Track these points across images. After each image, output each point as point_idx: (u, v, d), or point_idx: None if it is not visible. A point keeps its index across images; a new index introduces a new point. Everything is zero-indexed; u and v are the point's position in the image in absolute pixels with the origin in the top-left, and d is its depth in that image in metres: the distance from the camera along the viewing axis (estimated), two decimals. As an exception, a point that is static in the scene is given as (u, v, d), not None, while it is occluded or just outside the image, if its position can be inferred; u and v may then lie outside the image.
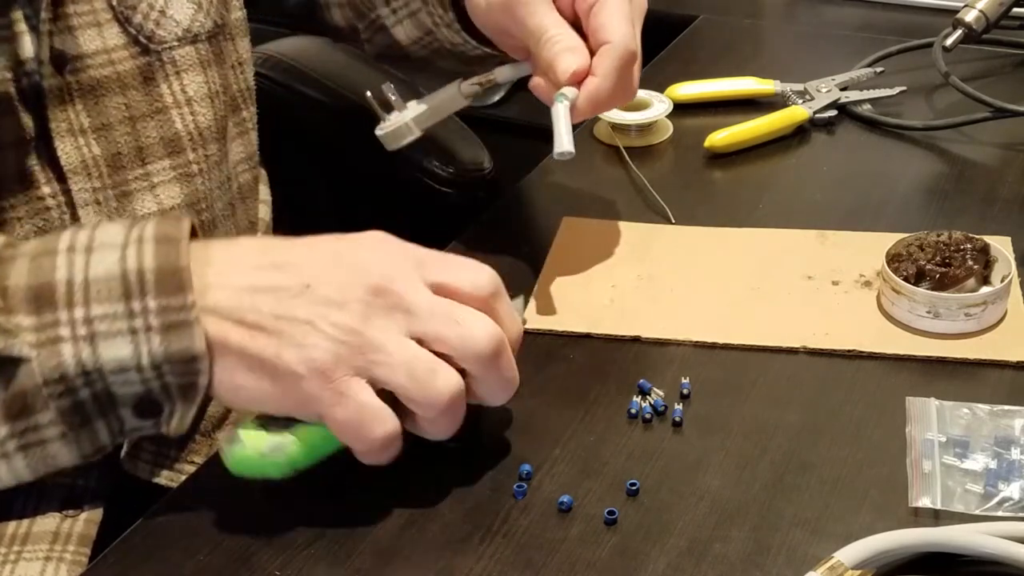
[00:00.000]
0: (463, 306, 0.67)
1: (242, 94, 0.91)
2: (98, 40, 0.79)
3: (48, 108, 0.76)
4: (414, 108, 0.87)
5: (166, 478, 0.88)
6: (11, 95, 0.75)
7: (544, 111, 0.79)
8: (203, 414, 0.67)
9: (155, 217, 0.67)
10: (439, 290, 0.67)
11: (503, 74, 0.86)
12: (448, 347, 0.65)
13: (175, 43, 0.83)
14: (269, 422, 0.67)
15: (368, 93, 0.85)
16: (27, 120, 0.76)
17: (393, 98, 0.86)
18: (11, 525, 0.81)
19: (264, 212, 0.98)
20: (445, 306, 0.66)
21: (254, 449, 0.65)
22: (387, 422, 0.65)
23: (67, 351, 0.62)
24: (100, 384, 0.63)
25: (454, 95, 0.88)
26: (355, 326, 0.64)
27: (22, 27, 0.74)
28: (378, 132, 0.88)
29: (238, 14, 0.91)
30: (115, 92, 0.80)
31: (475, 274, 0.68)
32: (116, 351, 0.63)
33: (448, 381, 0.65)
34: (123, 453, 0.86)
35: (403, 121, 0.87)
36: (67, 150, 0.77)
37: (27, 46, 0.74)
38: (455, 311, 0.66)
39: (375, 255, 0.68)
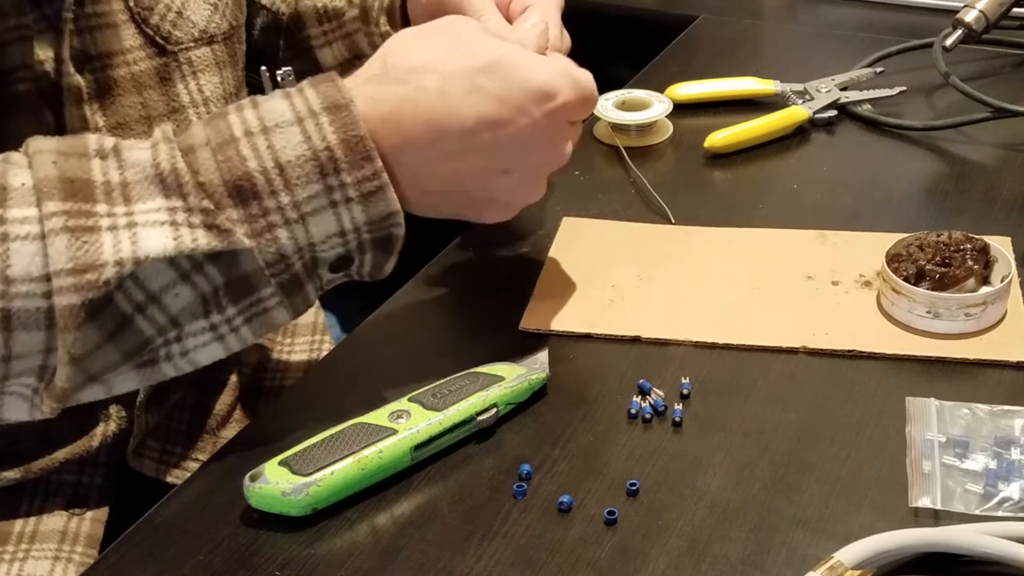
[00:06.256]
0: None
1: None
2: (116, 41, 0.79)
3: (64, 107, 0.76)
4: None
5: (171, 475, 0.88)
6: (31, 93, 0.75)
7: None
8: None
9: (307, 81, 0.68)
10: None
11: None
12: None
13: (191, 44, 0.83)
14: (293, 462, 0.68)
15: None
16: (47, 118, 0.76)
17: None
18: (18, 523, 0.82)
19: None
20: None
21: (277, 488, 0.67)
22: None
23: (283, 235, 0.66)
24: (310, 255, 0.68)
25: None
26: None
27: (44, 26, 0.74)
28: None
29: None
30: (132, 92, 0.80)
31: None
32: (325, 227, 0.67)
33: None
34: (129, 450, 0.86)
35: None
36: None
37: (48, 45, 0.75)
38: None
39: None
